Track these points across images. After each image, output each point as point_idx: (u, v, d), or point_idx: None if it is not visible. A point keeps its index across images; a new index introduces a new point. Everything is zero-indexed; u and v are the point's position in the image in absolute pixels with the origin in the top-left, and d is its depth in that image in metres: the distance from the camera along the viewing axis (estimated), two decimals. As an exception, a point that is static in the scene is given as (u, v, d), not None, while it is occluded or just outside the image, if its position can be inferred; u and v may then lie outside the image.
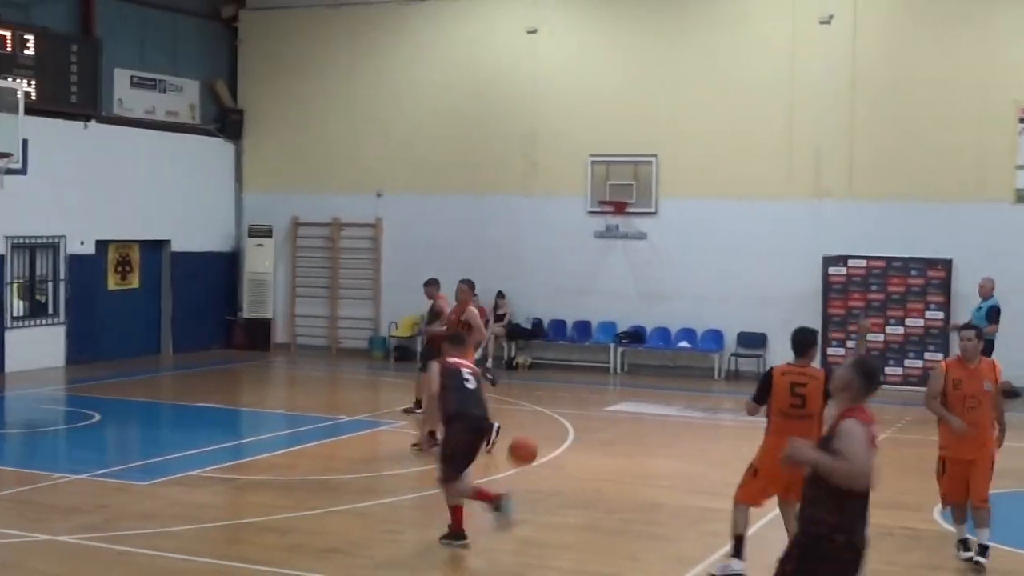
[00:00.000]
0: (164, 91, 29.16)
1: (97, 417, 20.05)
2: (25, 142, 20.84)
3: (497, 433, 15.62)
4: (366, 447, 17.97)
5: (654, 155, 26.62)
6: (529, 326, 27.63)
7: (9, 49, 24.64)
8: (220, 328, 30.21)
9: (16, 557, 11.73)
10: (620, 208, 26.82)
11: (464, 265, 27.95)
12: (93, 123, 26.88)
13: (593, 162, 27.12)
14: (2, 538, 12.33)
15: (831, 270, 25.25)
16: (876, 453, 7.70)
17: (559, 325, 27.67)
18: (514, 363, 27.24)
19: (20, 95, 21.38)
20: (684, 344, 26.38)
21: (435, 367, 12.80)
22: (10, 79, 23.54)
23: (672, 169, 26.53)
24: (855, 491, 7.57)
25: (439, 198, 28.62)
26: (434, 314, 19.30)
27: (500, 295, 27.51)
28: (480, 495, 12.38)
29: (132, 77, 28.26)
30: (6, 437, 19.53)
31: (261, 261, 30.22)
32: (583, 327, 27.39)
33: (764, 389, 11.22)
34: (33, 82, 24.83)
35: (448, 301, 18.93)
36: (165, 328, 29.22)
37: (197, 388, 23.98)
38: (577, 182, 27.29)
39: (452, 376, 12.59)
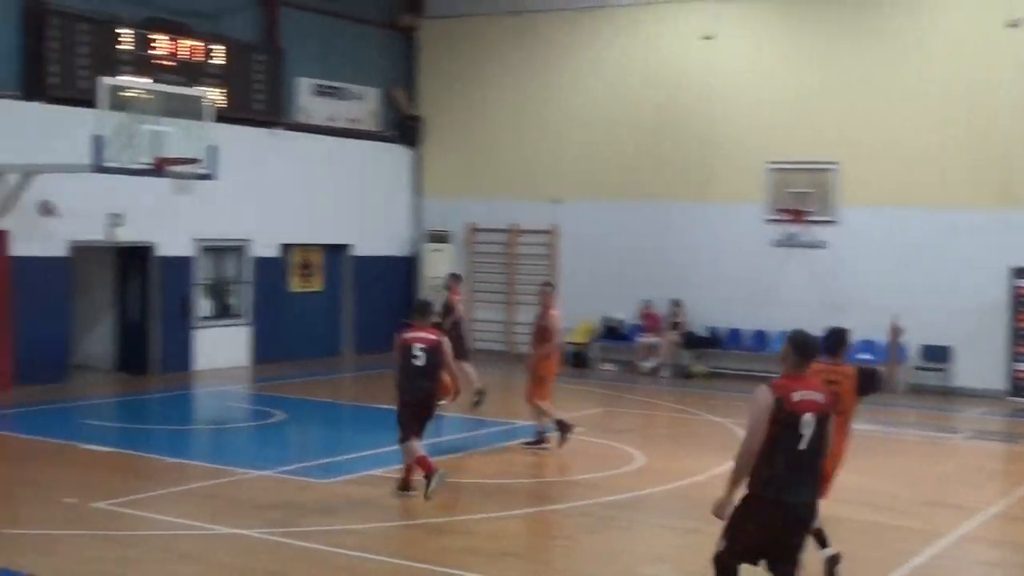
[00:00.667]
0: (345, 99, 29.73)
1: (281, 415, 20.55)
2: (213, 149, 21.42)
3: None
4: (542, 453, 18.06)
5: (834, 162, 26.28)
6: (706, 335, 27.49)
7: (199, 59, 25.40)
8: (398, 331, 30.57)
9: (201, 549, 12.10)
10: (799, 216, 26.54)
11: (639, 273, 28.07)
12: (278, 130, 27.55)
13: (771, 169, 26.88)
14: (188, 530, 12.72)
15: (1020, 281, 24.60)
16: (800, 415, 8.66)
17: (736, 334, 27.48)
18: (690, 372, 27.12)
19: (209, 103, 21.97)
20: (864, 356, 25.95)
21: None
22: (200, 88, 24.26)
23: (852, 176, 26.14)
24: (765, 448, 8.67)
25: (615, 205, 28.66)
26: (447, 308, 20.83)
27: (676, 303, 27.43)
28: (420, 462, 14.03)
29: (314, 85, 28.90)
30: (194, 433, 20.15)
31: (439, 266, 30.58)
32: (760, 336, 27.17)
33: None
34: (221, 91, 25.54)
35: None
36: (346, 330, 29.79)
37: (376, 389, 24.31)
38: (755, 190, 27.07)
39: (403, 352, 14.55)
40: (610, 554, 12.40)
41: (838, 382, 11.02)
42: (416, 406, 14.39)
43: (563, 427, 17.88)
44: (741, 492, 8.93)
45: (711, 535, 13.00)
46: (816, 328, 9.74)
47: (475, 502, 14.66)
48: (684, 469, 16.62)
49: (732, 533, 9.07)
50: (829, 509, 14.54)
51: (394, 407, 14.65)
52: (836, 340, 11.48)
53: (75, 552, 11.69)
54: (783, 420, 8.69)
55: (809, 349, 9.03)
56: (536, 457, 17.55)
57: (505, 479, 16.06)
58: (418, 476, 14.19)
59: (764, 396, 8.74)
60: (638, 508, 14.50)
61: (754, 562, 9.11)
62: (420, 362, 14.41)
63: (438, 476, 13.90)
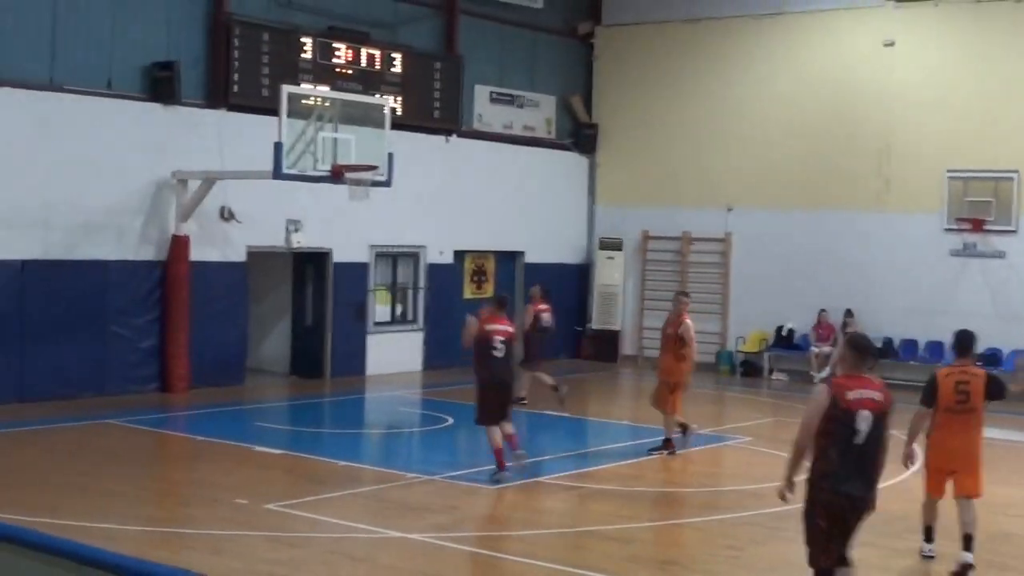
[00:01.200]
0: (522, 106, 29.91)
1: (450, 421, 20.75)
2: (391, 156, 21.69)
3: None
4: (710, 461, 17.97)
5: (1015, 171, 25.62)
6: (879, 344, 26.99)
7: (378, 67, 25.80)
8: (569, 338, 30.71)
9: (368, 552, 12.28)
10: (978, 226, 25.93)
11: (813, 282, 27.71)
12: (454, 137, 27.84)
13: (950, 178, 26.31)
14: (356, 533, 12.92)
15: None
16: (855, 412, 9.17)
17: (910, 345, 26.95)
18: (863, 382, 26.66)
19: (387, 111, 22.26)
20: (1042, 368, 25.27)
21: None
22: (379, 95, 24.64)
23: (1035, 185, 25.52)
24: (822, 443, 9.20)
25: (789, 214, 28.34)
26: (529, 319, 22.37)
27: (848, 313, 26.99)
28: (497, 453, 15.56)
29: (491, 93, 29.13)
30: (366, 437, 20.46)
31: (611, 274, 30.57)
32: (935, 347, 26.59)
33: (931, 391, 12.09)
34: (399, 98, 25.90)
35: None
36: (518, 336, 29.86)
37: (545, 397, 24.42)
38: (933, 199, 26.52)
39: (483, 343, 15.69)
40: (775, 565, 12.28)
41: (968, 381, 11.87)
42: (500, 392, 15.86)
43: (683, 428, 18.03)
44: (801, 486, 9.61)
45: (880, 547, 12.85)
46: (992, 339, 9.89)
47: (642, 510, 14.64)
48: None
49: (808, 536, 9.55)
50: (1000, 525, 14.23)
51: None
52: (966, 342, 12.28)
53: (245, 552, 11.95)
54: (839, 417, 9.16)
55: (866, 350, 9.64)
56: (704, 467, 17.45)
57: (673, 487, 16.00)
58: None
59: (821, 394, 9.32)
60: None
61: (842, 554, 9.52)
62: (499, 353, 15.76)
63: (511, 468, 15.58)
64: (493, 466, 15.65)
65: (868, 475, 9.40)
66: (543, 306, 22.88)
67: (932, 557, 12.55)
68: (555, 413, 21.41)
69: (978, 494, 12.09)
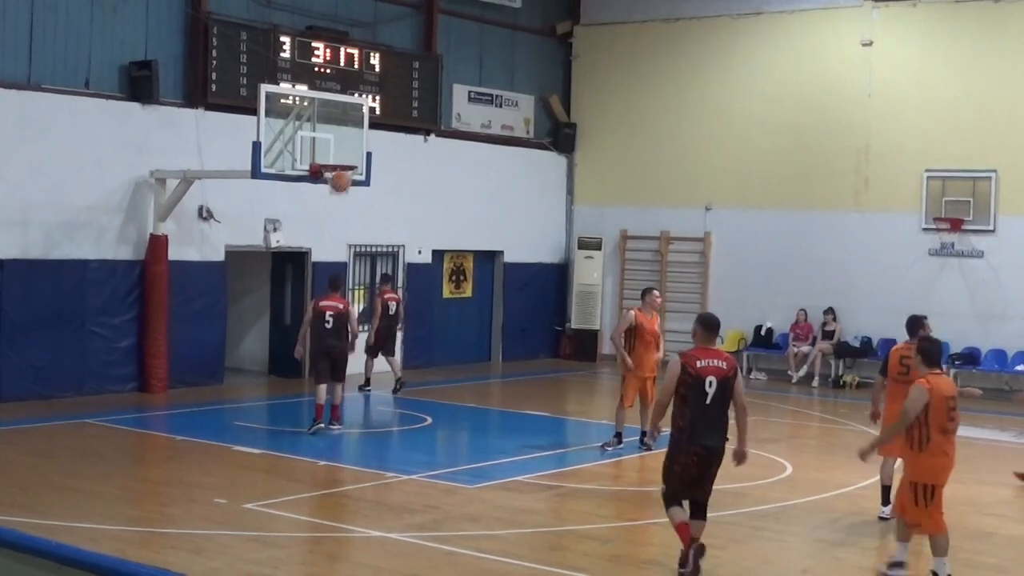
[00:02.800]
0: (500, 106, 29.91)
1: (429, 420, 20.75)
2: (369, 155, 21.68)
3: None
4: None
5: (993, 170, 25.73)
6: (858, 344, 27.07)
7: (357, 67, 25.78)
8: (548, 338, 30.75)
9: (347, 551, 12.28)
10: (956, 225, 26.03)
11: (791, 281, 27.79)
12: (432, 137, 27.83)
13: (929, 178, 26.41)
14: (335, 532, 12.91)
15: None
16: (704, 378, 11.25)
17: (889, 344, 26.95)
18: (841, 381, 26.76)
19: (366, 110, 22.26)
20: (1021, 368, 25.38)
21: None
22: (357, 95, 24.63)
23: (1012, 185, 25.58)
24: (680, 405, 11.38)
25: (768, 213, 28.41)
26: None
27: (828, 312, 27.09)
28: (318, 409, 18.78)
29: (470, 92, 29.12)
30: (344, 436, 20.41)
31: (590, 273, 30.59)
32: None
33: (883, 365, 14.39)
34: (377, 97, 25.89)
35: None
36: (496, 336, 29.96)
37: (524, 396, 24.47)
38: (911, 198, 26.62)
39: (318, 318, 18.87)
40: (756, 565, 12.31)
41: (910, 357, 13.05)
42: (325, 356, 18.89)
43: (619, 438, 18.14)
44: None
45: (860, 547, 12.89)
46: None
47: (621, 509, 14.66)
48: (833, 480, 16.44)
49: (665, 476, 11.69)
50: (979, 523, 14.29)
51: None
52: (913, 324, 14.55)
53: (224, 552, 11.92)
54: (690, 382, 11.26)
55: (712, 326, 11.73)
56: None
57: (653, 487, 16.00)
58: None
59: (675, 365, 11.36)
60: (786, 519, 14.37)
61: (685, 496, 11.56)
62: (329, 325, 18.78)
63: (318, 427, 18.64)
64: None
65: (718, 429, 11.37)
66: (390, 295, 23.65)
67: (885, 519, 13.86)
68: (541, 413, 21.39)
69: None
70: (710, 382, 11.25)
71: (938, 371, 11.77)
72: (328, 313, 18.84)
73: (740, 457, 11.77)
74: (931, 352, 11.82)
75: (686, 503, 11.59)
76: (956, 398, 11.63)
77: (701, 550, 11.38)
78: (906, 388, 12.33)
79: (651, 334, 18.17)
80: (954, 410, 11.55)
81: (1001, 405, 23.37)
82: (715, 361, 11.36)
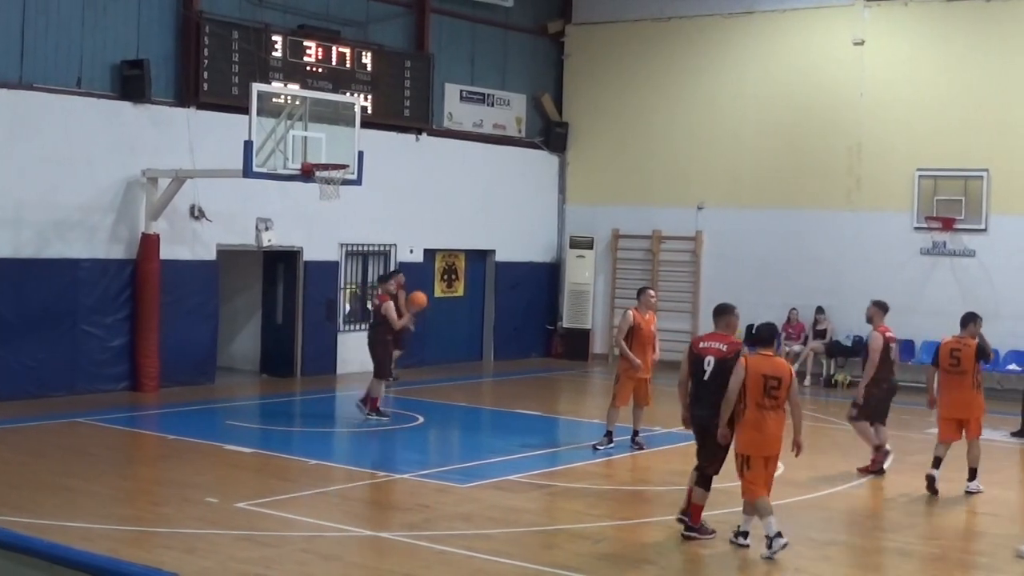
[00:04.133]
0: (492, 105, 29.92)
1: (421, 419, 20.75)
2: (361, 154, 21.67)
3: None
4: (680, 460, 17.96)
5: (985, 169, 25.78)
6: (849, 343, 27.10)
7: (348, 66, 25.77)
8: (540, 337, 30.76)
9: (338, 550, 12.27)
10: (948, 224, 26.08)
11: (783, 280, 27.82)
12: (424, 136, 27.83)
13: (920, 177, 26.45)
14: (327, 531, 12.90)
15: None
16: (703, 357, 12.93)
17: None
18: (833, 380, 26.79)
19: (357, 109, 22.25)
20: (1013, 367, 25.42)
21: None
22: (349, 94, 24.63)
23: (1004, 184, 25.64)
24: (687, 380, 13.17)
25: (760, 212, 28.44)
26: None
27: (820, 311, 27.12)
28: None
29: (462, 91, 29.13)
30: (336, 435, 20.43)
31: (581, 272, 30.60)
32: (906, 346, 26.68)
33: (935, 356, 16.01)
34: (369, 96, 25.90)
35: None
36: (487, 335, 29.97)
37: (516, 395, 24.48)
38: (903, 197, 26.67)
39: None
40: (747, 564, 12.33)
41: (960, 349, 15.68)
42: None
43: (609, 437, 18.21)
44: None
45: (849, 546, 12.92)
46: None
47: (612, 508, 14.68)
48: (824, 479, 16.45)
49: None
50: (969, 522, 14.33)
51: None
52: (967, 320, 16.19)
53: (216, 551, 11.92)
54: (694, 360, 13.00)
55: (718, 312, 13.28)
56: (674, 465, 17.47)
57: (644, 486, 16.05)
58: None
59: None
60: (777, 517, 14.36)
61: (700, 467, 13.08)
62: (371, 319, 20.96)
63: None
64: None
65: (711, 403, 12.66)
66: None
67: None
68: (533, 412, 21.42)
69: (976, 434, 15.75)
70: (708, 361, 12.80)
71: (768, 352, 12.75)
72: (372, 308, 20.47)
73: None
74: (760, 334, 13.07)
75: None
76: (780, 379, 12.41)
77: (684, 519, 13.04)
78: (956, 378, 15.51)
79: (647, 334, 18.14)
80: (776, 388, 12.40)
81: (992, 404, 23.42)
82: (717, 344, 12.92)
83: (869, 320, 17.52)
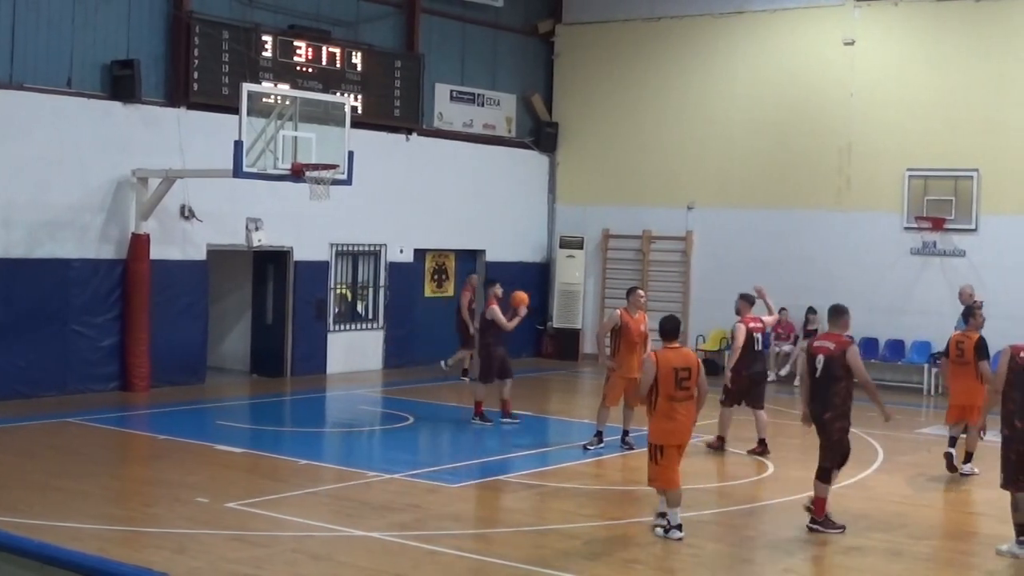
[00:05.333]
0: (482, 105, 29.92)
1: (411, 419, 20.75)
2: (351, 154, 21.66)
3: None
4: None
5: (975, 169, 25.82)
6: (840, 343, 27.07)
7: (339, 66, 25.76)
8: (530, 337, 30.75)
9: (328, 550, 12.26)
10: (938, 224, 26.12)
11: (774, 280, 27.63)
12: (414, 136, 27.83)
13: (910, 177, 26.49)
14: (317, 531, 12.90)
15: None
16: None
17: (871, 343, 27.09)
18: (823, 380, 26.77)
19: (348, 109, 22.25)
20: (1002, 366, 25.43)
21: None
22: (339, 94, 24.63)
23: (994, 184, 25.68)
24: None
25: (750, 212, 28.47)
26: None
27: (811, 311, 27.13)
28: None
29: (452, 91, 29.13)
30: (326, 435, 20.43)
31: (572, 272, 30.62)
32: (896, 346, 26.77)
33: (947, 349, 17.32)
34: (359, 96, 25.90)
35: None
36: (477, 335, 29.90)
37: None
38: (893, 197, 26.71)
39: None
40: (737, 564, 12.36)
41: (964, 343, 16.93)
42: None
43: (599, 437, 18.29)
44: None
45: (840, 546, 12.94)
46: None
47: (602, 508, 14.69)
48: (813, 479, 16.44)
49: None
50: (961, 522, 14.36)
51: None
52: (967, 313, 17.99)
53: (207, 551, 11.92)
54: (809, 359, 13.73)
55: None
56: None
57: (634, 486, 16.05)
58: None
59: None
60: (767, 518, 14.42)
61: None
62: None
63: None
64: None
65: (822, 399, 13.57)
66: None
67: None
68: (523, 412, 21.40)
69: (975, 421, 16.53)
70: (819, 359, 13.62)
71: (675, 345, 13.36)
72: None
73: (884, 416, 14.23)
74: (665, 327, 13.59)
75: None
76: (689, 369, 13.00)
77: (809, 508, 13.71)
78: (961, 368, 16.74)
79: (637, 335, 18.13)
80: (687, 380, 12.98)
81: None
82: (827, 343, 13.84)
83: (737, 312, 18.76)
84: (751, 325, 18.53)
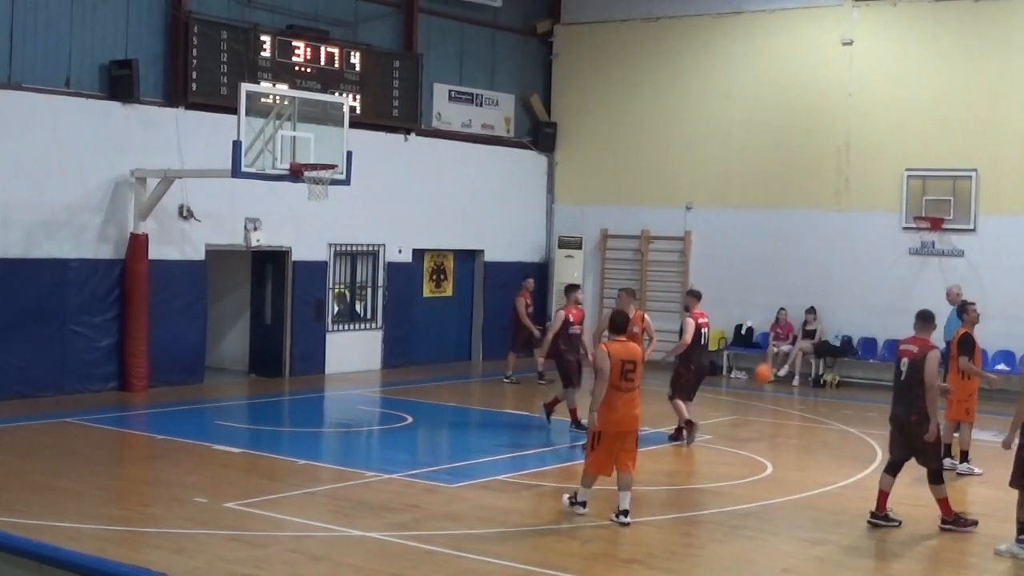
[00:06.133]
0: (481, 105, 29.91)
1: (410, 419, 20.74)
2: (349, 154, 21.65)
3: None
4: (670, 460, 18.02)
5: (973, 169, 25.81)
6: (838, 343, 27.13)
7: (337, 66, 25.75)
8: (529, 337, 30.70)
9: (327, 550, 12.25)
10: (937, 224, 26.12)
11: (772, 280, 27.83)
12: (413, 136, 27.81)
13: (909, 177, 26.49)
14: (316, 531, 12.90)
15: None
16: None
17: (869, 343, 27.11)
18: (821, 380, 26.78)
19: (346, 109, 22.23)
20: (1001, 367, 25.44)
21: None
22: (338, 94, 24.62)
23: (993, 184, 25.68)
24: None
25: (749, 212, 28.47)
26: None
27: (811, 311, 27.14)
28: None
29: (450, 91, 29.12)
30: (324, 435, 20.42)
31: (570, 272, 30.57)
32: (895, 346, 26.68)
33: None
34: (358, 96, 25.88)
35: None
36: (476, 335, 29.96)
37: (505, 395, 24.47)
38: (892, 197, 26.71)
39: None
40: (736, 564, 12.33)
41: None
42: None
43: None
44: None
45: (839, 546, 12.93)
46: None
47: (602, 508, 14.66)
48: (813, 479, 16.47)
49: None
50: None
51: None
52: (959, 311, 17.56)
53: (205, 551, 11.91)
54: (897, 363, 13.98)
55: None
56: (664, 465, 17.51)
57: (634, 486, 16.03)
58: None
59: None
60: (766, 518, 14.40)
61: None
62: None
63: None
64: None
65: (905, 402, 13.80)
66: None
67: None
68: (522, 412, 21.39)
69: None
70: (903, 362, 13.86)
71: (622, 339, 14.01)
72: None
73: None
74: (615, 322, 14.26)
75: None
76: (635, 362, 13.70)
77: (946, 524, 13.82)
78: (952, 363, 17.32)
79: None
80: (632, 372, 13.65)
81: (983, 404, 23.46)
82: (911, 346, 14.11)
83: (686, 308, 19.38)
84: (700, 320, 19.03)
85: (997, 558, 12.67)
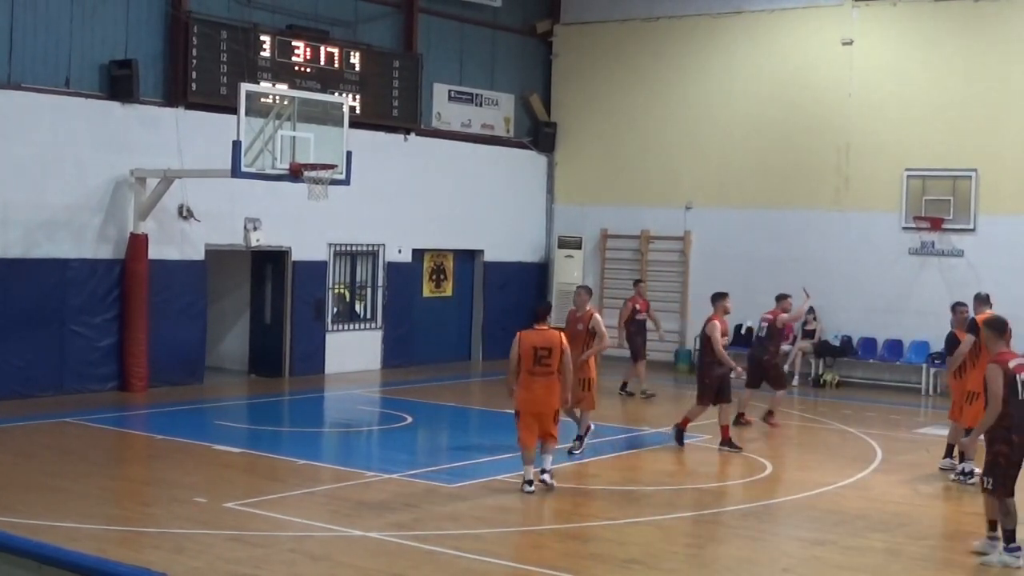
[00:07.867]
0: (480, 105, 29.91)
1: (410, 419, 20.74)
2: (349, 154, 21.66)
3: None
4: (669, 460, 18.02)
5: (973, 169, 25.81)
6: (838, 343, 27.13)
7: (337, 65, 25.75)
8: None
9: (327, 550, 12.25)
10: (936, 224, 26.12)
11: (772, 280, 27.70)
12: (412, 136, 27.81)
13: (909, 177, 26.49)
14: (315, 531, 12.89)
15: None
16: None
17: (869, 343, 27.11)
18: (821, 380, 26.77)
19: (346, 109, 22.23)
20: (1000, 366, 25.42)
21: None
22: (337, 94, 24.62)
23: (992, 184, 25.68)
24: None
25: (749, 212, 28.47)
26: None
27: (810, 311, 27.09)
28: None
29: (450, 91, 29.12)
30: (324, 435, 20.42)
31: (570, 272, 30.58)
32: (894, 346, 26.77)
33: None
34: (358, 96, 25.88)
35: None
36: (476, 335, 29.95)
37: (504, 395, 24.38)
38: (892, 197, 26.71)
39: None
40: (736, 564, 12.33)
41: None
42: None
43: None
44: None
45: (838, 546, 12.93)
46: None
47: (601, 508, 14.68)
48: (813, 479, 16.46)
49: None
50: (958, 522, 14.34)
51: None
52: (541, 311, 15.80)
53: (205, 551, 11.91)
54: (1008, 382, 12.10)
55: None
56: (664, 465, 17.52)
57: (633, 486, 16.05)
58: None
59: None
60: (766, 517, 14.40)
61: None
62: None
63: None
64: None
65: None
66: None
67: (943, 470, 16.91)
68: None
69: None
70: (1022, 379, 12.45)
71: (542, 327, 15.11)
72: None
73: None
74: (536, 311, 15.50)
75: None
76: (550, 349, 14.85)
77: None
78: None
79: (572, 332, 18.12)
80: (547, 357, 14.87)
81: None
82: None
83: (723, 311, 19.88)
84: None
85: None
